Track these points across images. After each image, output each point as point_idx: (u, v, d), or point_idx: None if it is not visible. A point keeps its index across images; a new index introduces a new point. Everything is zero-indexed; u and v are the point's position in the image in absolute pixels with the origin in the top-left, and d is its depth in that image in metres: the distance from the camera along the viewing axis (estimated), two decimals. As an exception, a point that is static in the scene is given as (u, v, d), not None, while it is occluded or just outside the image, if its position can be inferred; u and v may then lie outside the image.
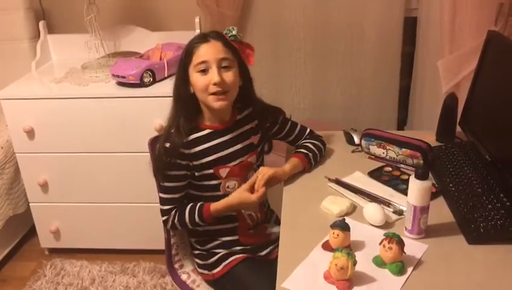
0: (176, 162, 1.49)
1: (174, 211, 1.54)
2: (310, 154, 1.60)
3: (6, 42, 2.54)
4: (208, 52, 1.42)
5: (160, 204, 1.56)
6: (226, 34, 1.47)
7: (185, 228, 1.57)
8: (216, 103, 1.44)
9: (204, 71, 1.42)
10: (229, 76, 1.44)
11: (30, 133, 2.20)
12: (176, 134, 1.48)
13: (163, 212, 1.55)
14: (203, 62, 1.42)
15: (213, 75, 1.41)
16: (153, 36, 2.48)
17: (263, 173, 1.48)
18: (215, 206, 1.50)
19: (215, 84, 1.41)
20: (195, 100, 1.50)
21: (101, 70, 2.31)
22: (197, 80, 1.43)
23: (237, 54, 1.48)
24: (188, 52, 1.45)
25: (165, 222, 1.56)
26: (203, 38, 1.45)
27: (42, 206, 2.36)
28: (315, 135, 1.70)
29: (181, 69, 1.48)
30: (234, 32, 1.47)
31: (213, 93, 1.43)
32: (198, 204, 1.52)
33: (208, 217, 1.50)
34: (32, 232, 2.52)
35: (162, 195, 1.55)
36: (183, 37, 2.33)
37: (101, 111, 2.15)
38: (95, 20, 2.30)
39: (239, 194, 1.47)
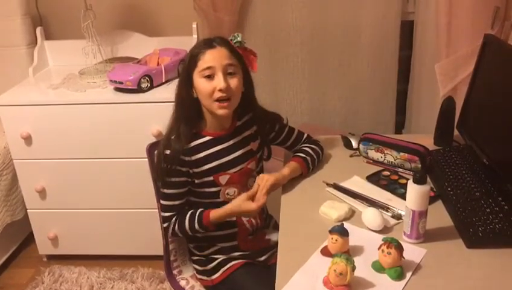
0: (176, 168, 1.48)
1: (174, 218, 1.53)
2: (308, 158, 1.60)
3: (3, 48, 2.54)
4: (214, 58, 1.42)
5: (161, 211, 1.56)
6: (231, 40, 1.48)
7: (185, 235, 1.56)
8: (220, 110, 1.44)
9: (209, 77, 1.42)
10: (234, 82, 1.44)
11: (27, 140, 2.19)
12: (176, 140, 1.48)
13: (164, 219, 1.55)
14: (208, 68, 1.42)
15: (219, 81, 1.41)
16: (150, 42, 2.48)
17: (265, 181, 1.48)
18: (214, 213, 1.49)
19: (220, 90, 1.41)
20: (198, 105, 1.50)
21: (98, 76, 2.31)
22: (203, 86, 1.43)
23: (241, 60, 1.48)
24: (193, 57, 1.44)
25: (166, 229, 1.56)
26: (208, 44, 1.44)
27: (40, 213, 2.36)
28: (313, 139, 1.70)
29: (185, 74, 1.47)
30: (239, 39, 1.48)
31: (218, 100, 1.43)
32: (198, 211, 1.51)
33: (208, 224, 1.49)
34: (30, 239, 2.51)
35: (162, 202, 1.54)
36: (181, 43, 2.37)
37: (98, 117, 2.15)
38: (92, 26, 2.30)
39: (239, 203, 1.46)
